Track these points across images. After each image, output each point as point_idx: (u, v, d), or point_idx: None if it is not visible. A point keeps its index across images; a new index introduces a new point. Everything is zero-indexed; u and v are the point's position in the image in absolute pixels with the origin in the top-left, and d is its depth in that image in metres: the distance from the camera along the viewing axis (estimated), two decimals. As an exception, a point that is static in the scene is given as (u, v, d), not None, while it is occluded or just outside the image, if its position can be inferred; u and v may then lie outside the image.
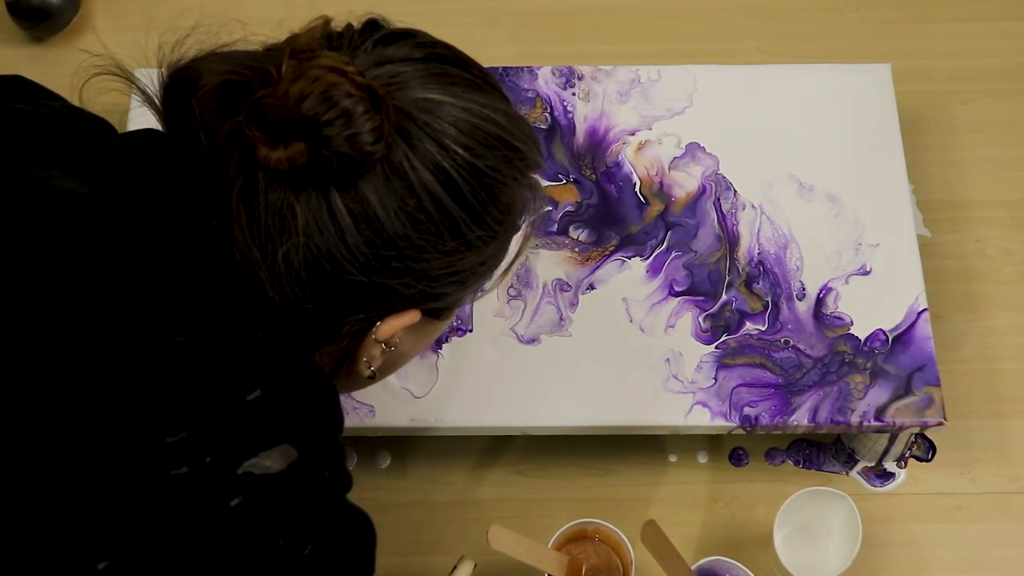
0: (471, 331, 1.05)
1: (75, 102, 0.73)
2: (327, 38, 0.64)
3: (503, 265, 0.72)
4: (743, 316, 1.07)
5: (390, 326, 0.67)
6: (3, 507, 0.56)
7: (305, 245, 0.61)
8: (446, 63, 0.65)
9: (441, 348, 1.05)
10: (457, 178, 0.63)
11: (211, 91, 0.63)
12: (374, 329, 0.67)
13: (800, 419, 1.02)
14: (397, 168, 0.61)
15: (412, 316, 0.67)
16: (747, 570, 0.99)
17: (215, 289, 0.62)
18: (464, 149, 0.63)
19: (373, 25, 0.66)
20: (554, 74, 1.18)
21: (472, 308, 1.06)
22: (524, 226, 0.71)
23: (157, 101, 0.66)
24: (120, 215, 0.63)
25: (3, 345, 0.59)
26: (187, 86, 0.63)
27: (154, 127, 0.68)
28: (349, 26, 0.66)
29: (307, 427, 0.63)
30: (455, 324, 1.05)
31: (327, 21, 0.65)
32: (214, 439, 0.59)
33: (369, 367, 0.72)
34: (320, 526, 0.62)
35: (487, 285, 0.72)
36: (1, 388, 0.58)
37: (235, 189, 0.61)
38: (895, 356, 1.05)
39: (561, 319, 1.07)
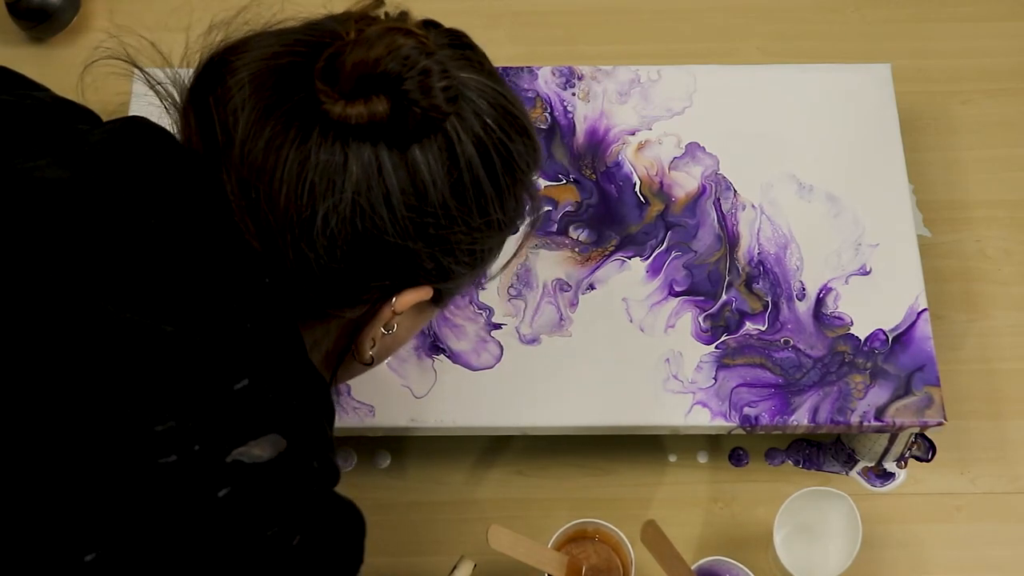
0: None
1: (79, 94, 0.73)
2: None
3: (501, 262, 0.74)
4: (743, 316, 1.07)
5: (407, 299, 0.69)
6: None
7: (352, 202, 0.62)
8: (473, 51, 0.68)
9: (439, 355, 1.05)
10: (494, 156, 0.66)
11: (265, 64, 0.64)
12: (392, 301, 0.69)
13: (800, 419, 1.02)
14: (448, 137, 0.64)
15: (425, 292, 0.69)
16: (747, 570, 0.99)
17: (204, 277, 0.63)
18: (500, 130, 0.66)
19: (405, 13, 0.68)
20: (554, 74, 1.18)
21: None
22: (524, 226, 0.74)
23: (172, 83, 0.68)
24: (106, 202, 0.63)
25: None
26: (228, 63, 0.65)
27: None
28: (386, 14, 0.68)
29: (296, 417, 0.63)
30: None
31: (379, 1, 0.68)
32: (203, 427, 0.59)
33: (371, 347, 0.73)
34: (308, 517, 0.62)
35: (487, 277, 0.75)
36: None
37: (288, 152, 0.62)
38: (895, 356, 1.05)
39: (561, 319, 1.07)
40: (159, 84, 0.69)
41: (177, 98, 0.69)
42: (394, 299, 0.69)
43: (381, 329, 0.71)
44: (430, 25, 0.68)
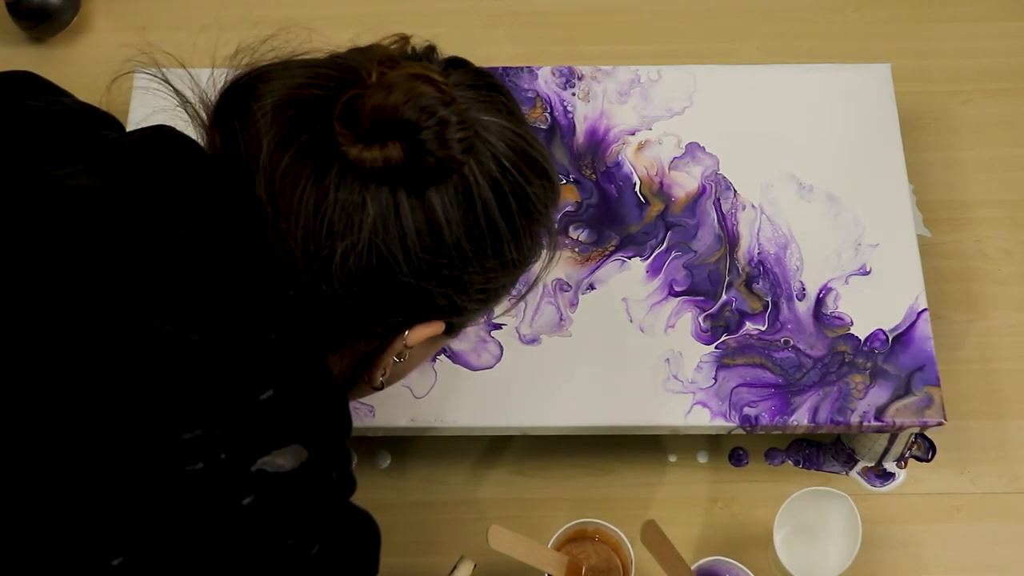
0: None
1: (105, 102, 0.74)
2: (404, 56, 0.68)
3: (512, 293, 0.76)
4: (743, 316, 1.07)
5: (419, 333, 0.70)
6: (20, 503, 0.57)
7: (368, 242, 0.63)
8: (498, 92, 0.69)
9: (440, 355, 1.05)
10: (511, 198, 0.67)
11: (289, 94, 0.65)
12: (403, 335, 0.70)
13: (800, 419, 1.02)
14: (464, 180, 0.65)
15: (437, 327, 0.71)
16: (747, 570, 0.99)
17: (231, 288, 0.64)
18: (518, 173, 0.67)
19: (432, 50, 0.70)
20: (554, 74, 1.18)
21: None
22: (541, 262, 0.75)
23: (200, 102, 0.69)
24: (136, 211, 0.64)
25: (25, 344, 0.59)
26: (254, 89, 0.66)
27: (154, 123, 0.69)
28: (414, 48, 0.69)
29: (317, 428, 0.64)
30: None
31: (405, 38, 0.69)
32: (229, 436, 0.59)
33: (383, 375, 0.74)
34: (327, 527, 0.63)
35: (496, 311, 0.77)
36: (23, 385, 0.58)
37: (304, 185, 0.63)
38: (895, 356, 1.05)
39: (561, 319, 1.07)
40: (188, 103, 0.70)
41: (203, 115, 0.70)
42: (406, 333, 0.70)
43: (393, 358, 0.73)
44: (456, 64, 0.69)
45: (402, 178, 0.63)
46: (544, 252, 0.74)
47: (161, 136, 0.69)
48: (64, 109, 0.72)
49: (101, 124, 0.73)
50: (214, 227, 0.64)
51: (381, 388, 0.77)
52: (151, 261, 0.62)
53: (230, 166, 0.66)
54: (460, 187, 0.65)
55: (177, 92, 0.70)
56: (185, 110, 0.70)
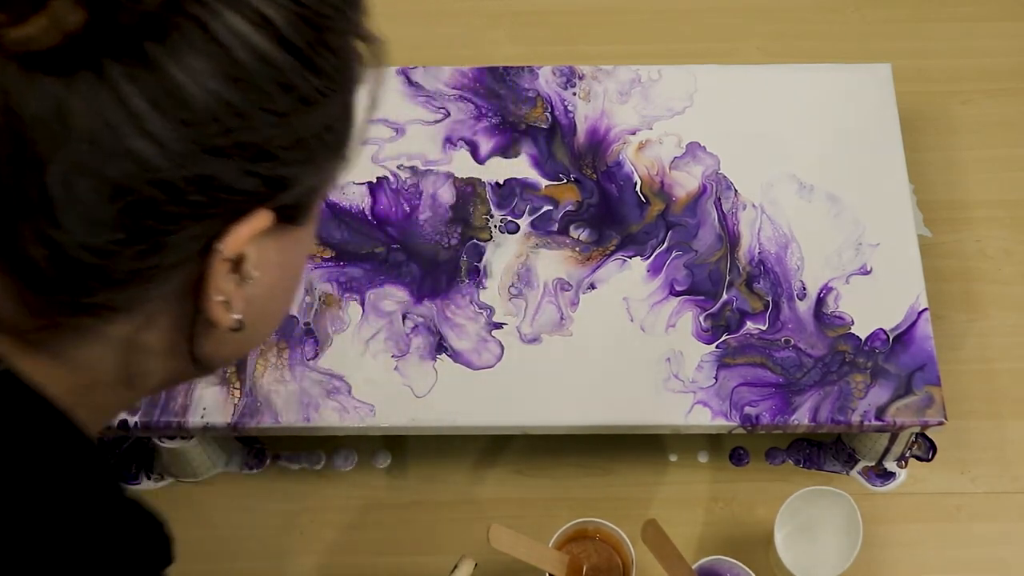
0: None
1: None
2: None
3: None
4: (744, 316, 1.07)
5: (239, 236, 0.49)
6: None
7: (90, 151, 0.44)
8: None
9: (441, 355, 1.05)
10: (271, 15, 0.47)
11: None
12: (220, 246, 0.49)
13: (801, 419, 1.02)
14: (195, 17, 0.45)
15: (263, 218, 0.50)
16: (747, 570, 0.99)
17: None
18: None
19: None
20: (555, 74, 1.19)
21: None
22: (369, 80, 0.54)
23: None
24: None
25: None
26: None
27: None
28: None
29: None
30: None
31: None
32: None
33: (229, 311, 0.52)
34: None
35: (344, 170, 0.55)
36: None
37: None
38: (895, 356, 1.05)
39: (562, 318, 1.07)
40: None
41: None
42: (219, 246, 0.49)
43: (234, 281, 0.52)
44: None
45: (101, 45, 0.44)
46: (366, 63, 0.53)
47: None
48: None
49: None
50: None
51: (242, 328, 0.54)
52: None
53: None
54: (191, 27, 0.45)
55: None
56: None
